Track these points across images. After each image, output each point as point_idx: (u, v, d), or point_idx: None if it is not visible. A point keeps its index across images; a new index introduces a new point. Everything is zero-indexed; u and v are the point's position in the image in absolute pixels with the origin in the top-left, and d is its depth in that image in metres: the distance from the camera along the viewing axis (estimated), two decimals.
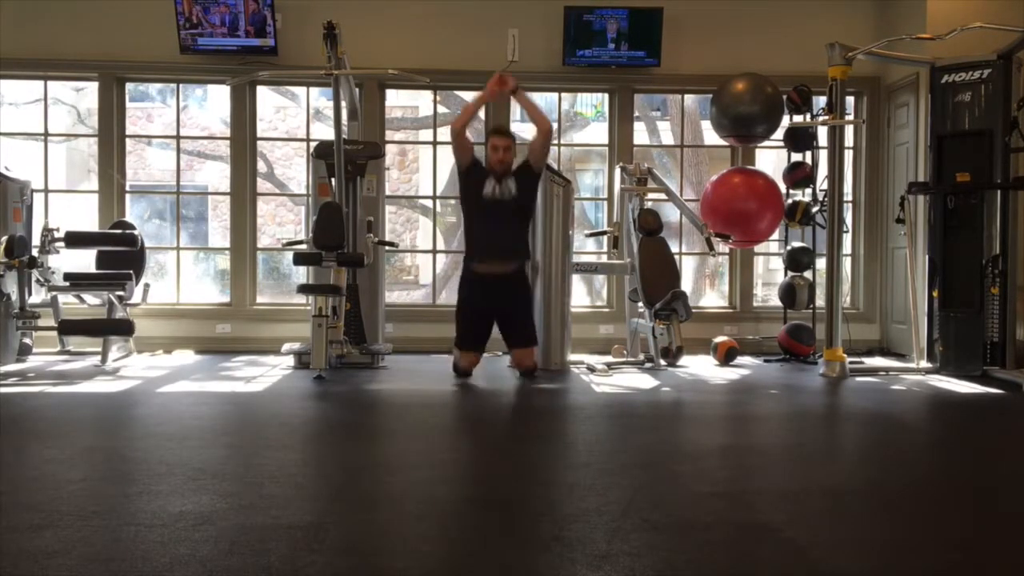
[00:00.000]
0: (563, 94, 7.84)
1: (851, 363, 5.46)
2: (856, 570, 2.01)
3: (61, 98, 9.57)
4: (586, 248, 8.21)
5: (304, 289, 5.38)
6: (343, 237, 5.24)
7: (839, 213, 5.51)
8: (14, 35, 6.30)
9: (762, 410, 4.41)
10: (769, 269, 8.88)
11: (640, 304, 5.69)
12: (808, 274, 6.24)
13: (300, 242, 5.92)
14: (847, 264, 6.73)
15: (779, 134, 6.31)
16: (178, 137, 7.28)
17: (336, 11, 5.56)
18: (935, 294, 5.48)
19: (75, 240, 5.86)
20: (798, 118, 6.20)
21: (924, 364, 5.53)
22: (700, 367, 5.74)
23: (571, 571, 1.93)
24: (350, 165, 5.57)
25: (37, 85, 6.89)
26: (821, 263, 5.85)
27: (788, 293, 6.24)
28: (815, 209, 6.11)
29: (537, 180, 5.16)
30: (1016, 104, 5.29)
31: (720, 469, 3.06)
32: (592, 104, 11.26)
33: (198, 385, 4.79)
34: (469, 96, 9.22)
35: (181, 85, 7.04)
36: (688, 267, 9.94)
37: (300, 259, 5.36)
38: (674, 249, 6.35)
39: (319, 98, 8.98)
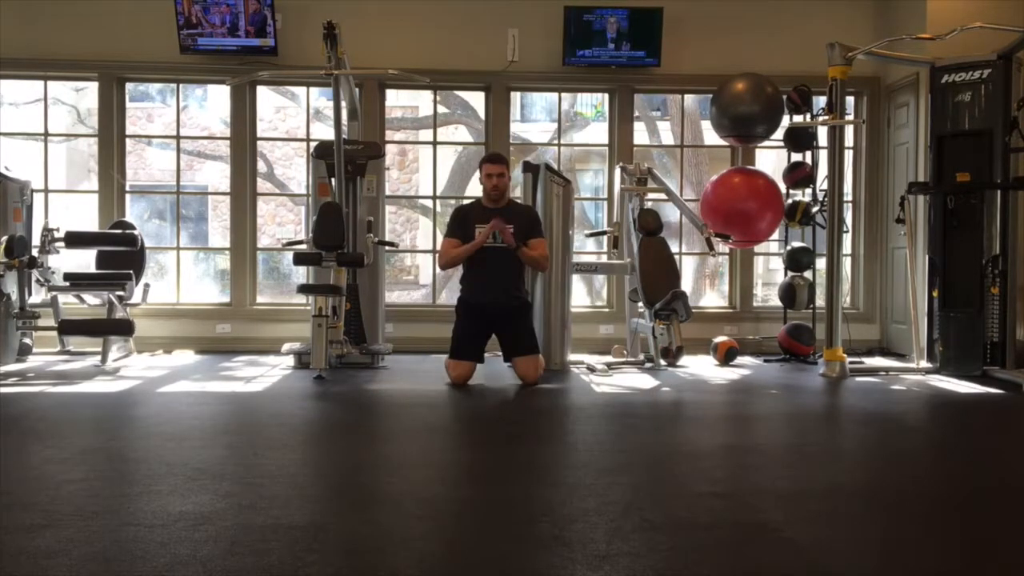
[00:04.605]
0: (563, 94, 7.84)
1: (851, 363, 5.46)
2: (856, 570, 2.01)
3: (61, 98, 9.57)
4: (586, 248, 8.22)
5: (304, 289, 5.38)
6: (343, 237, 5.24)
7: (839, 213, 5.51)
8: (14, 35, 6.30)
9: (762, 410, 4.41)
10: (769, 269, 8.88)
11: (640, 304, 5.69)
12: (808, 274, 6.24)
13: (300, 242, 5.92)
14: (847, 264, 6.73)
15: (779, 134, 6.32)
16: (178, 137, 7.28)
17: (336, 11, 5.57)
18: (935, 294, 5.48)
19: (75, 240, 5.86)
20: (798, 118, 6.20)
21: (924, 364, 5.53)
22: (700, 367, 5.74)
23: (571, 571, 1.93)
24: (350, 165, 5.57)
25: (37, 85, 6.88)
26: (821, 263, 5.85)
27: (788, 293, 6.24)
28: (815, 209, 6.11)
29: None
30: (1016, 104, 5.29)
31: (720, 469, 3.06)
32: (592, 104, 11.26)
33: (198, 385, 4.79)
34: (469, 97, 9.32)
35: (181, 85, 7.04)
36: (688, 267, 9.94)
37: (300, 259, 5.36)
38: (674, 249, 6.36)
39: (319, 98, 8.99)
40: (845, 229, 6.10)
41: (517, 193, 5.97)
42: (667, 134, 10.59)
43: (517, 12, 6.54)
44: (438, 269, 6.64)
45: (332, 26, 5.18)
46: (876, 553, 2.11)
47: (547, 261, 5.14)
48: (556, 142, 7.87)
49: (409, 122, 11.48)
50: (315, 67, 5.56)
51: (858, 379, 5.23)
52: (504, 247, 4.83)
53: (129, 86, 6.88)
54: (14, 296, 5.48)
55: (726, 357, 5.94)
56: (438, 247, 7.35)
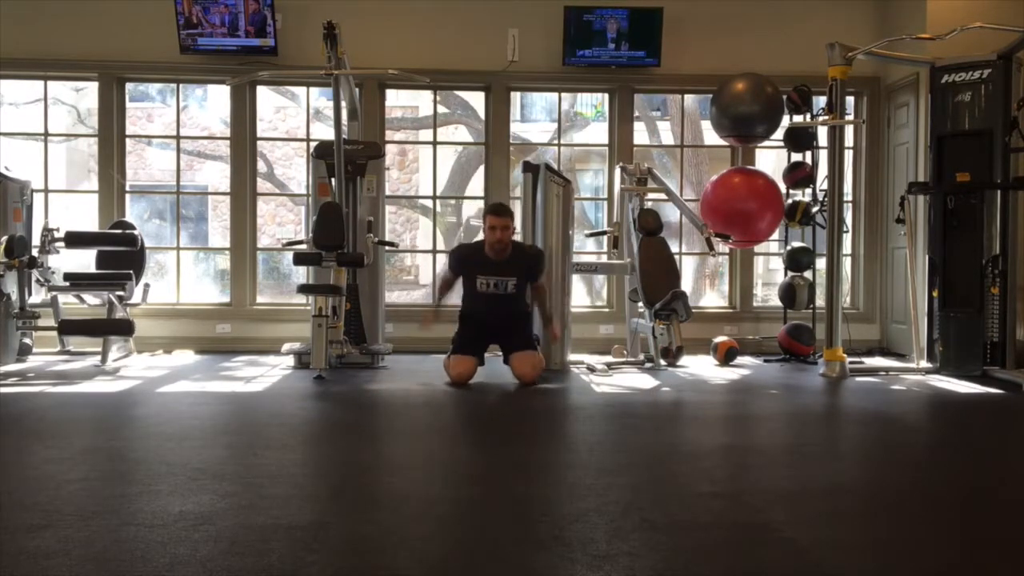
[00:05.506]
0: (563, 94, 7.84)
1: (851, 363, 5.46)
2: (856, 570, 2.01)
3: (61, 98, 9.57)
4: (586, 248, 8.21)
5: (304, 289, 5.38)
6: (343, 237, 5.24)
7: (839, 213, 5.51)
8: (14, 35, 6.30)
9: (762, 410, 4.41)
10: (769, 269, 8.88)
11: (640, 304, 5.69)
12: (808, 274, 6.24)
13: (300, 242, 5.92)
14: (847, 264, 6.73)
15: (779, 134, 6.32)
16: (178, 137, 7.28)
17: (336, 11, 5.57)
18: (935, 294, 5.48)
19: (75, 240, 5.86)
20: (798, 118, 6.20)
21: (924, 364, 5.53)
22: (700, 367, 5.74)
23: (571, 571, 1.93)
24: (350, 165, 5.57)
25: (37, 85, 6.88)
26: (821, 263, 5.85)
27: (788, 293, 6.24)
28: (815, 209, 6.11)
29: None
30: (1016, 104, 5.29)
31: (720, 469, 3.06)
32: (592, 104, 11.26)
33: (198, 385, 4.79)
34: (469, 97, 9.32)
35: (181, 85, 7.04)
36: (688, 267, 9.94)
37: (300, 259, 5.36)
38: (674, 249, 6.36)
39: (319, 98, 8.99)
40: (845, 229, 6.10)
41: (516, 193, 5.98)
42: (667, 134, 10.59)
43: (517, 12, 6.54)
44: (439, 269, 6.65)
45: (332, 26, 5.18)
46: (876, 553, 2.11)
47: (547, 293, 5.14)
48: (556, 142, 7.87)
49: (409, 122, 11.48)
50: (315, 67, 5.56)
51: (858, 379, 5.23)
52: (505, 293, 4.87)
53: (129, 86, 6.88)
54: (14, 296, 5.48)
55: (726, 357, 5.94)
56: (438, 247, 7.40)
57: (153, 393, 4.52)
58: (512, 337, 4.92)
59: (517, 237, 5.28)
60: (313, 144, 5.95)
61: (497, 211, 4.91)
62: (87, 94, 8.84)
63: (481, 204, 6.63)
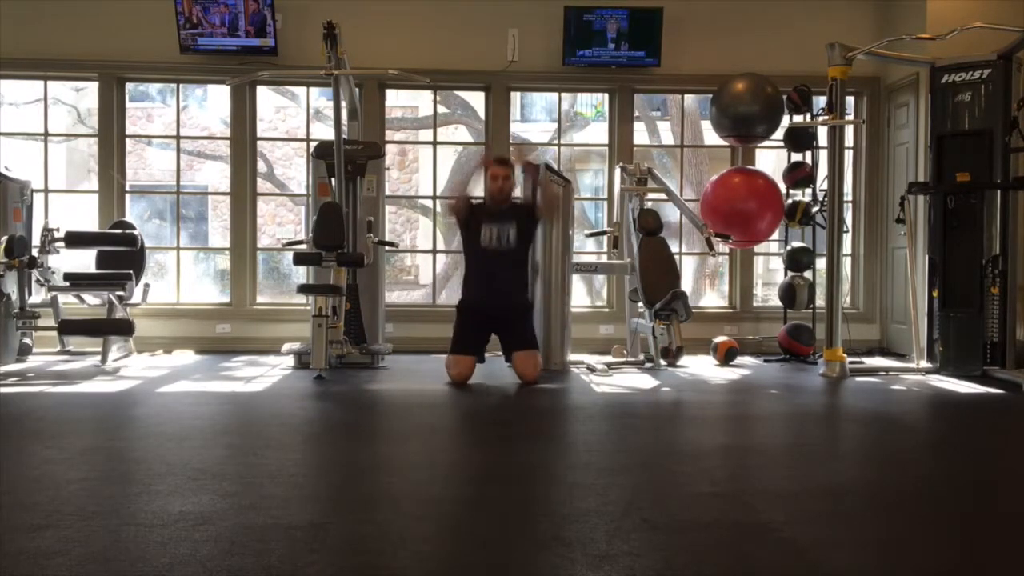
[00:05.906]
0: (563, 94, 7.85)
1: (851, 363, 5.46)
2: (856, 570, 2.01)
3: (61, 98, 9.57)
4: (586, 248, 8.22)
5: (304, 289, 5.38)
6: (343, 237, 5.24)
7: (839, 213, 5.51)
8: (14, 35, 6.30)
9: (762, 410, 4.41)
10: (769, 269, 8.88)
11: (640, 304, 5.69)
12: (808, 274, 6.24)
13: (300, 242, 5.92)
14: (847, 264, 6.73)
15: (779, 134, 6.32)
16: (178, 137, 7.28)
17: (336, 11, 5.57)
18: (935, 294, 5.48)
19: (75, 240, 5.87)
20: (798, 118, 6.20)
21: (924, 364, 5.53)
22: (700, 367, 5.74)
23: (571, 571, 1.93)
24: (350, 165, 5.57)
25: (37, 85, 6.89)
26: (821, 263, 5.85)
27: (788, 293, 6.24)
28: (815, 209, 6.11)
29: (537, 224, 5.20)
30: (1016, 104, 5.29)
31: (720, 469, 3.06)
32: (592, 104, 11.26)
33: (198, 385, 4.79)
34: (469, 97, 9.32)
35: (181, 85, 7.04)
36: (688, 267, 9.94)
37: (300, 259, 5.36)
38: (674, 249, 6.36)
39: (319, 98, 8.99)
40: (845, 229, 6.10)
41: (516, 193, 5.97)
42: (667, 134, 10.59)
43: (517, 12, 6.54)
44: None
45: (332, 26, 5.18)
46: (876, 553, 2.11)
47: (556, 198, 5.31)
48: (556, 142, 7.87)
49: (409, 122, 11.48)
50: (315, 67, 5.56)
51: (858, 379, 5.23)
52: (507, 250, 4.92)
53: (129, 86, 6.88)
54: (14, 296, 5.48)
55: (726, 357, 5.94)
56: (438, 247, 7.41)
57: (153, 393, 4.52)
58: (513, 332, 4.94)
59: None
60: (313, 144, 5.95)
61: (500, 161, 5.14)
62: (87, 94, 8.84)
63: None
